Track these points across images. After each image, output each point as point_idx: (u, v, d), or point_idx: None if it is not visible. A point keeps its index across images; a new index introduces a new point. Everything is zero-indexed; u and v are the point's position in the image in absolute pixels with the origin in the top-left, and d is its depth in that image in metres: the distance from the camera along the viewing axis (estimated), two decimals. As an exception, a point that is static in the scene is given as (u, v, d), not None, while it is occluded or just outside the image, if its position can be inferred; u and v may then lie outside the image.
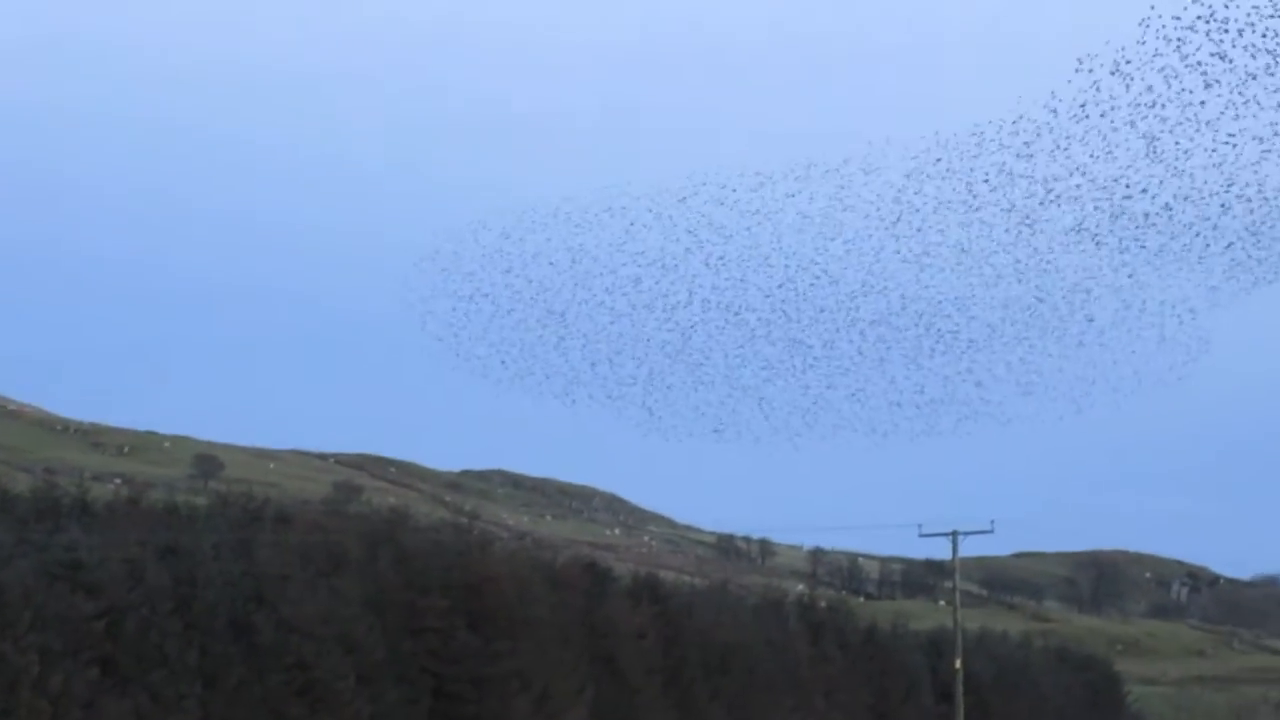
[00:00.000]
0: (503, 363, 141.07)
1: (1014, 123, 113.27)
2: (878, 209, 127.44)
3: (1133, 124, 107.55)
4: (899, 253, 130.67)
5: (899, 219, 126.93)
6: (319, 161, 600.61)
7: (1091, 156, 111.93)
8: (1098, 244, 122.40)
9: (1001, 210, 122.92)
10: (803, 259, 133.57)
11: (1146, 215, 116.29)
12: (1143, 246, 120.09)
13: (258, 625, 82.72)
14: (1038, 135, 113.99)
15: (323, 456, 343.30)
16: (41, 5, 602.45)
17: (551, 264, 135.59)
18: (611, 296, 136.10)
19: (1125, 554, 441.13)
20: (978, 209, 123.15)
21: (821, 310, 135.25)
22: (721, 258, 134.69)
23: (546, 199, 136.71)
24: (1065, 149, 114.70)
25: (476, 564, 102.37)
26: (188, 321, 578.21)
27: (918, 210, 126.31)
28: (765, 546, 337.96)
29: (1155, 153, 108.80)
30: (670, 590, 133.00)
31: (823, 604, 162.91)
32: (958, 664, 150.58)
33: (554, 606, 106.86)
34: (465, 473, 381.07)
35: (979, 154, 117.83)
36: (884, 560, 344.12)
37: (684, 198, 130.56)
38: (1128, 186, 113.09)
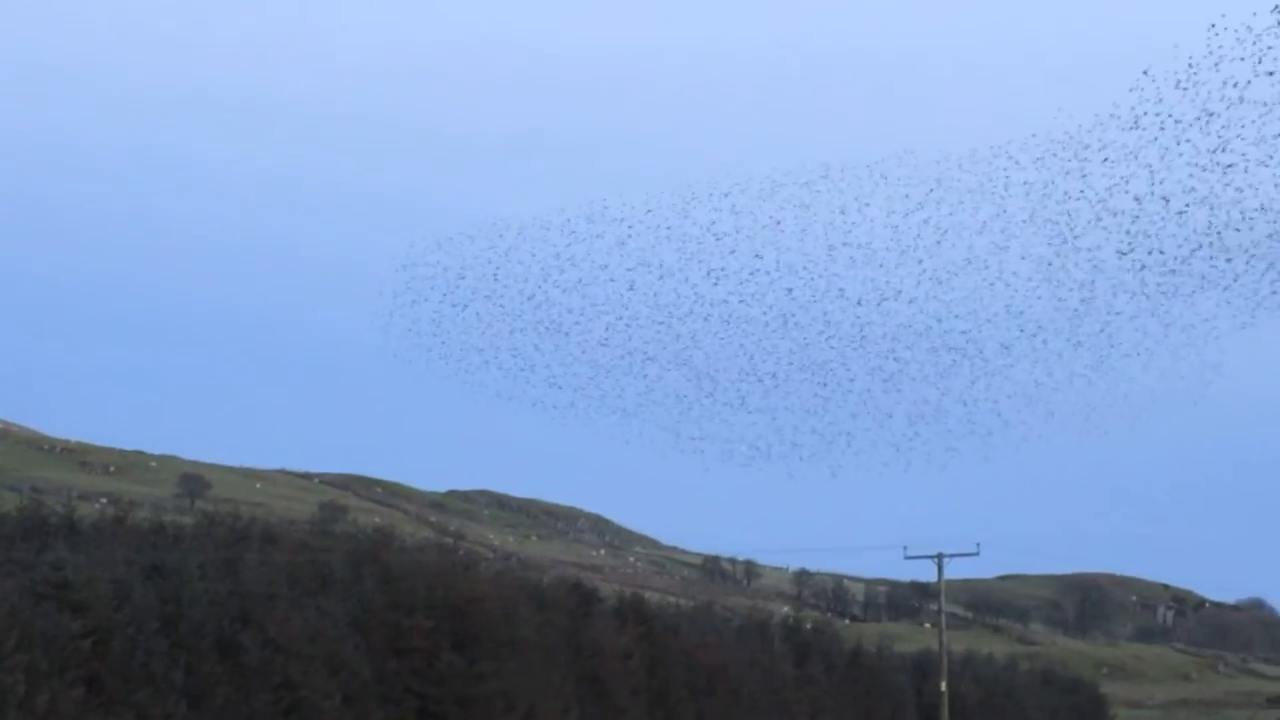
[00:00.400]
0: (486, 374, 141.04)
1: (1038, 138, 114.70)
2: (870, 227, 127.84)
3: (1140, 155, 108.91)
4: (900, 270, 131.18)
5: (897, 239, 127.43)
6: (301, 185, 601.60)
7: (1118, 180, 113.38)
8: (1120, 266, 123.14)
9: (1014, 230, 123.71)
10: (797, 278, 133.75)
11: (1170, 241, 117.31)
12: (1172, 272, 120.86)
13: (244, 645, 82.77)
14: (1072, 151, 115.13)
15: (309, 476, 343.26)
16: (25, 33, 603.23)
17: (530, 279, 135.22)
18: (598, 313, 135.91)
19: (1111, 577, 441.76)
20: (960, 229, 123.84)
21: (818, 333, 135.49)
22: (720, 271, 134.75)
23: (525, 217, 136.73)
24: (1083, 172, 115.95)
25: (462, 584, 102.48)
26: (175, 342, 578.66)
27: (917, 233, 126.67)
28: (750, 568, 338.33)
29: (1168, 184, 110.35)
30: (656, 611, 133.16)
31: (808, 626, 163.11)
32: (943, 686, 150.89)
33: (539, 627, 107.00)
34: (451, 493, 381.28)
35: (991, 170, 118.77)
36: (869, 582, 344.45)
37: (684, 210, 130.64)
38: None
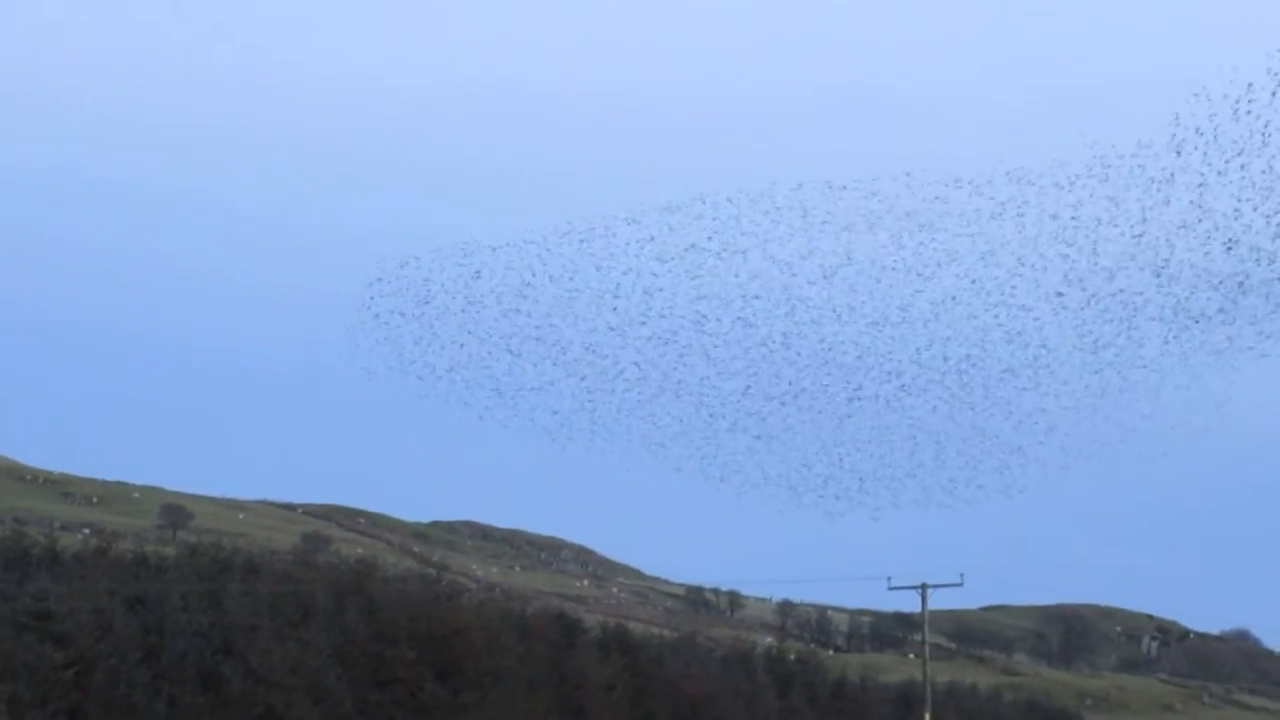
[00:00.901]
0: (466, 404, 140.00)
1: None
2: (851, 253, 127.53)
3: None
4: (891, 297, 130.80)
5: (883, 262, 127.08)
6: (276, 214, 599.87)
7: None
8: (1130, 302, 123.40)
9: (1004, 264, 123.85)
10: (796, 303, 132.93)
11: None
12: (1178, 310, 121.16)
13: (226, 675, 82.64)
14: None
15: (291, 507, 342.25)
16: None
17: (512, 298, 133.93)
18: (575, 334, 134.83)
19: (1095, 608, 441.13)
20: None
21: (807, 361, 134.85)
22: (712, 295, 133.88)
23: (495, 239, 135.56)
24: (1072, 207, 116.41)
25: (445, 615, 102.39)
26: (157, 373, 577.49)
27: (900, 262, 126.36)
28: (734, 599, 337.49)
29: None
30: (639, 642, 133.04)
31: (791, 656, 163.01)
32: (927, 717, 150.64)
33: (523, 657, 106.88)
34: (434, 524, 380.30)
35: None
36: (853, 613, 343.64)
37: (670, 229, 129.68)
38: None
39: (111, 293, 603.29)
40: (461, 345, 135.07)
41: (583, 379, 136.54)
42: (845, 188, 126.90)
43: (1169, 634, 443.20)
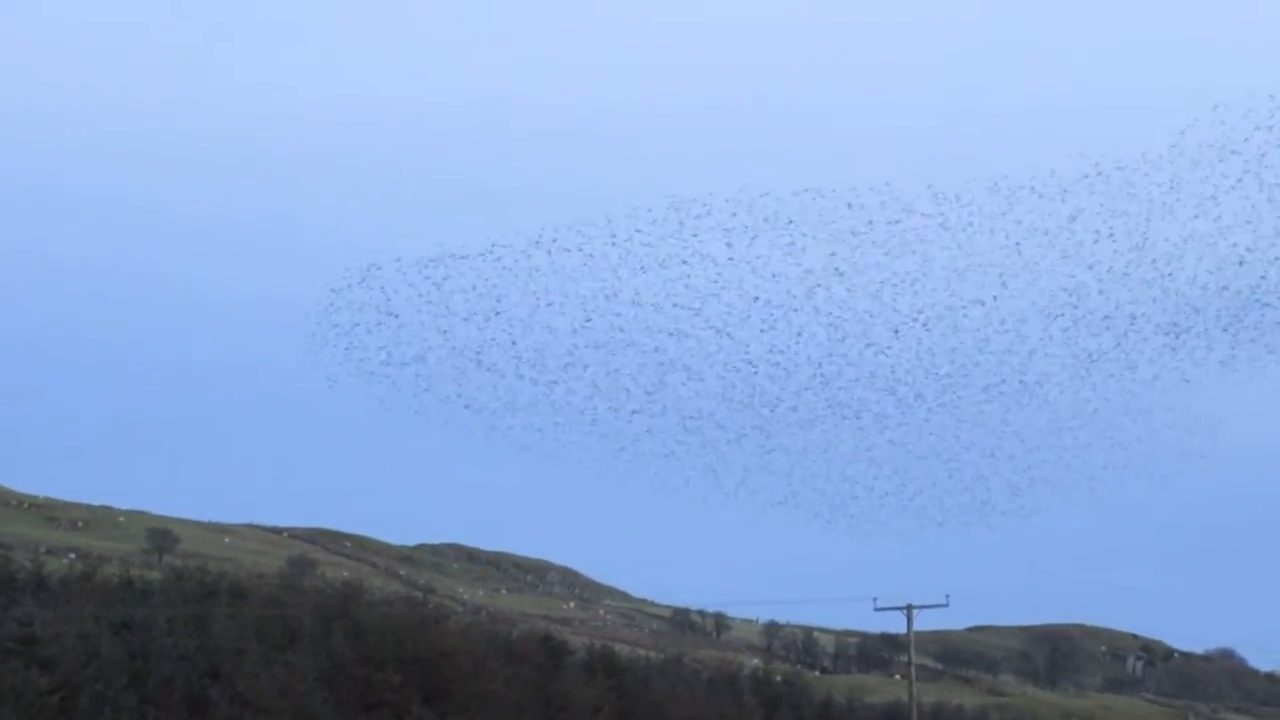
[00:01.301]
0: (449, 425, 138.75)
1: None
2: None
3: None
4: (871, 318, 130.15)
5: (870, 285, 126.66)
6: (258, 231, 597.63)
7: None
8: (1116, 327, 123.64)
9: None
10: (775, 318, 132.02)
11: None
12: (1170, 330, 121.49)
13: (213, 700, 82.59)
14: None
15: (277, 530, 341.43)
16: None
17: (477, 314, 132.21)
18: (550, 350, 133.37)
19: (1080, 627, 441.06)
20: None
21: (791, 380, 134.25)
22: (693, 310, 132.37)
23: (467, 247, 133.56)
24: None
25: (432, 638, 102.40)
26: (143, 397, 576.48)
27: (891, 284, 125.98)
28: (720, 620, 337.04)
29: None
30: (626, 664, 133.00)
31: (778, 678, 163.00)
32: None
33: (509, 680, 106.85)
34: (420, 546, 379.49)
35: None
36: (839, 634, 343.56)
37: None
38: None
39: (97, 313, 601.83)
40: (430, 362, 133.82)
41: (564, 395, 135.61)
42: (826, 195, 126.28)
43: (1154, 653, 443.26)
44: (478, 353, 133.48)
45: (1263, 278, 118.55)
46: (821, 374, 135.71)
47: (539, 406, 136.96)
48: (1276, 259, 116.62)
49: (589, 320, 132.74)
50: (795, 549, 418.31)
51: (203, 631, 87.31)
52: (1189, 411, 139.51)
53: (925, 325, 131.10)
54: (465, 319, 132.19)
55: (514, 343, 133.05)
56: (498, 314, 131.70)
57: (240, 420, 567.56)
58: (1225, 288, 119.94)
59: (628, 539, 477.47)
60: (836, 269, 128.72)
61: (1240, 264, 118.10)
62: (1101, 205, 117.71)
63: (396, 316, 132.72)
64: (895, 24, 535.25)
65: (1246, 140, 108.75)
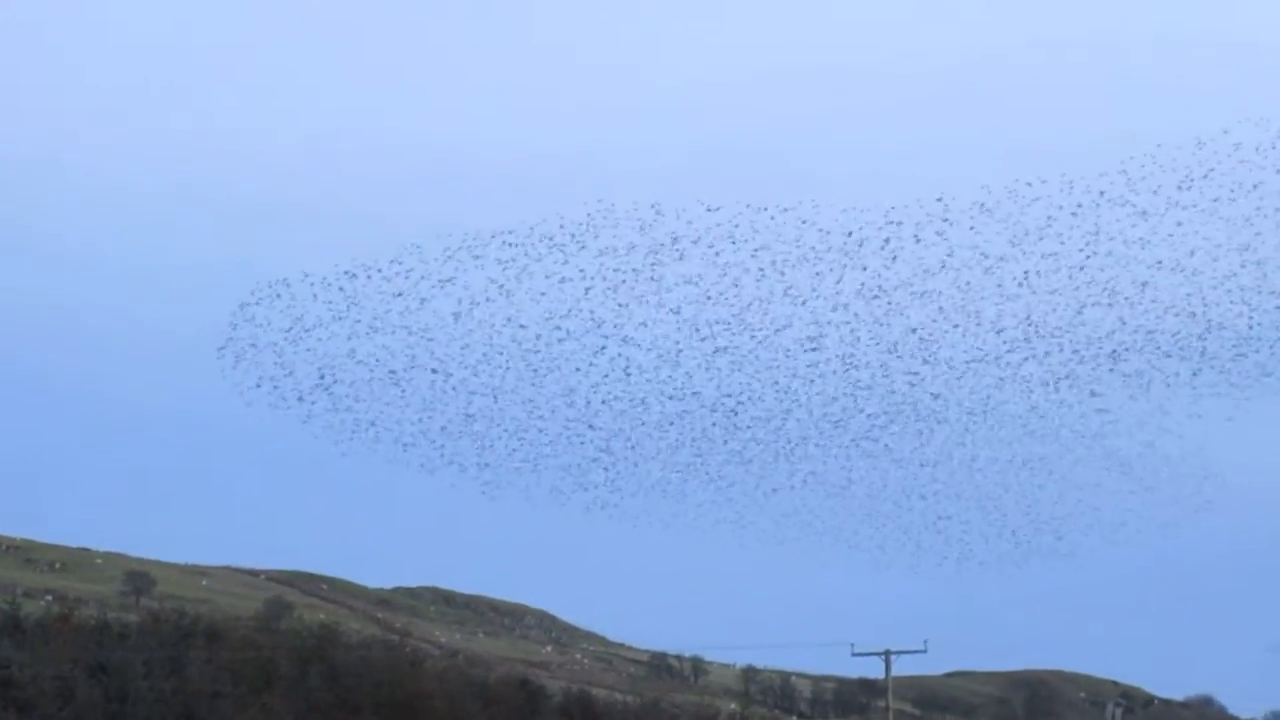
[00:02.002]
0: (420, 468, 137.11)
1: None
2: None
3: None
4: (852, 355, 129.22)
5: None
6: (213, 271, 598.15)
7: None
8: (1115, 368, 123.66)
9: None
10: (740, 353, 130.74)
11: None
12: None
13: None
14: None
15: (254, 573, 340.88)
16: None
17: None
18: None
19: (1059, 674, 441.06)
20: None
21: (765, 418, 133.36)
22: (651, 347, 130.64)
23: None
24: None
25: (408, 681, 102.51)
26: (119, 439, 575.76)
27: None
28: (697, 664, 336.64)
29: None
30: (603, 708, 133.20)
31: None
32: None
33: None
34: (397, 589, 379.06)
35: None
36: (816, 679, 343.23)
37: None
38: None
39: (67, 355, 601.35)
40: (399, 411, 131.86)
41: (536, 437, 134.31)
42: (785, 210, 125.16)
43: (1134, 700, 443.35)
44: (443, 400, 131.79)
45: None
46: (799, 414, 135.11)
47: (510, 451, 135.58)
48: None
49: (536, 350, 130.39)
50: (773, 592, 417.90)
51: (179, 674, 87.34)
52: (1176, 458, 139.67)
53: (907, 372, 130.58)
54: (440, 374, 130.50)
55: (495, 398, 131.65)
56: (459, 368, 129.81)
57: (215, 462, 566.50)
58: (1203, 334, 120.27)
59: (604, 582, 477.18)
60: (787, 289, 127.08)
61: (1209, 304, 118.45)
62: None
63: (395, 375, 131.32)
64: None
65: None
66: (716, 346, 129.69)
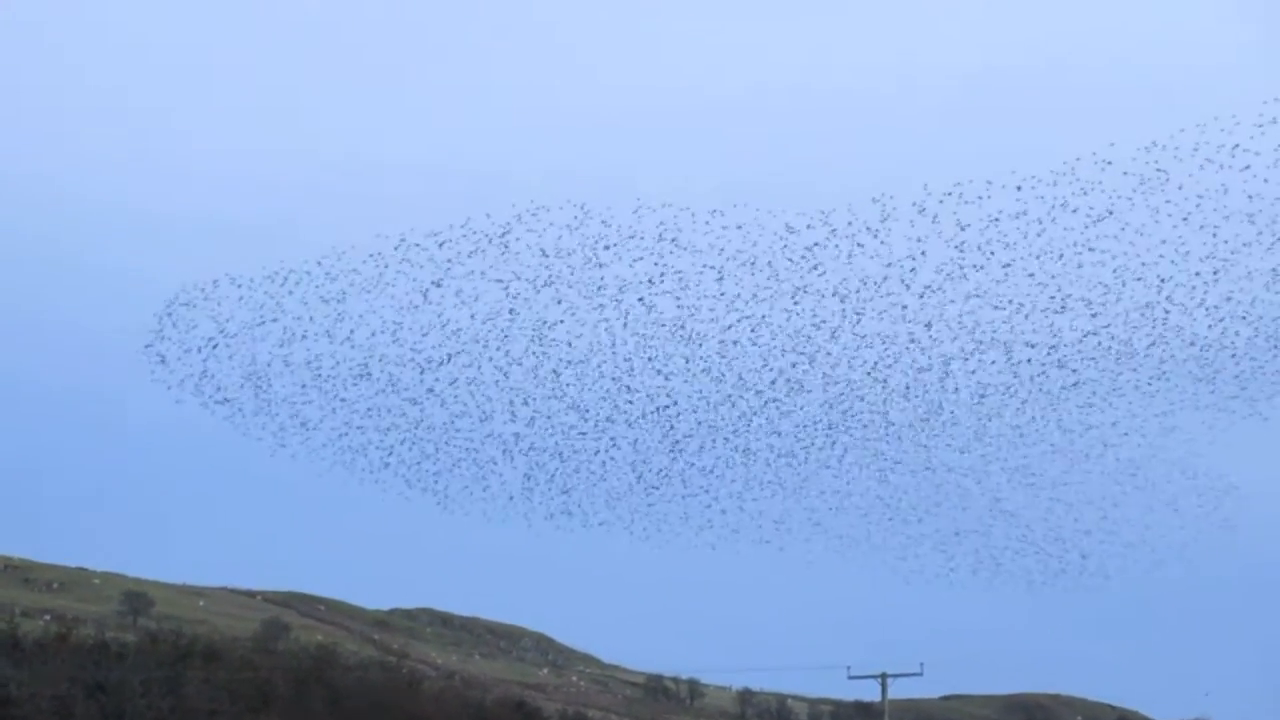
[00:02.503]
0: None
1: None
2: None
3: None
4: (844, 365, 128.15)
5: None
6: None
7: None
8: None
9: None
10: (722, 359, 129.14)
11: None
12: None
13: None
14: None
15: (251, 594, 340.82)
16: None
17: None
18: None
19: (1056, 697, 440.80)
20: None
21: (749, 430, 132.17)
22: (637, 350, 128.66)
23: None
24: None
25: (405, 703, 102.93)
26: (118, 457, 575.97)
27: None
28: (693, 687, 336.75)
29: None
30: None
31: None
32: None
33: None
34: (394, 611, 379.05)
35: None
36: (813, 701, 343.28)
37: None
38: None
39: (75, 372, 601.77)
40: (396, 433, 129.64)
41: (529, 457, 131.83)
42: (731, 210, 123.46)
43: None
44: (429, 416, 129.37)
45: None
46: (793, 431, 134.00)
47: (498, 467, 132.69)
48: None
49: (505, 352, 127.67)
50: (770, 614, 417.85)
51: (177, 694, 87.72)
52: (1189, 476, 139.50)
53: (908, 389, 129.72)
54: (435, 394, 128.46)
55: (482, 421, 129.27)
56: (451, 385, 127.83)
57: (213, 483, 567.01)
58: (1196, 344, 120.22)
59: (600, 604, 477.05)
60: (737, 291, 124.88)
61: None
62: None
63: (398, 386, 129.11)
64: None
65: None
66: (701, 357, 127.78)
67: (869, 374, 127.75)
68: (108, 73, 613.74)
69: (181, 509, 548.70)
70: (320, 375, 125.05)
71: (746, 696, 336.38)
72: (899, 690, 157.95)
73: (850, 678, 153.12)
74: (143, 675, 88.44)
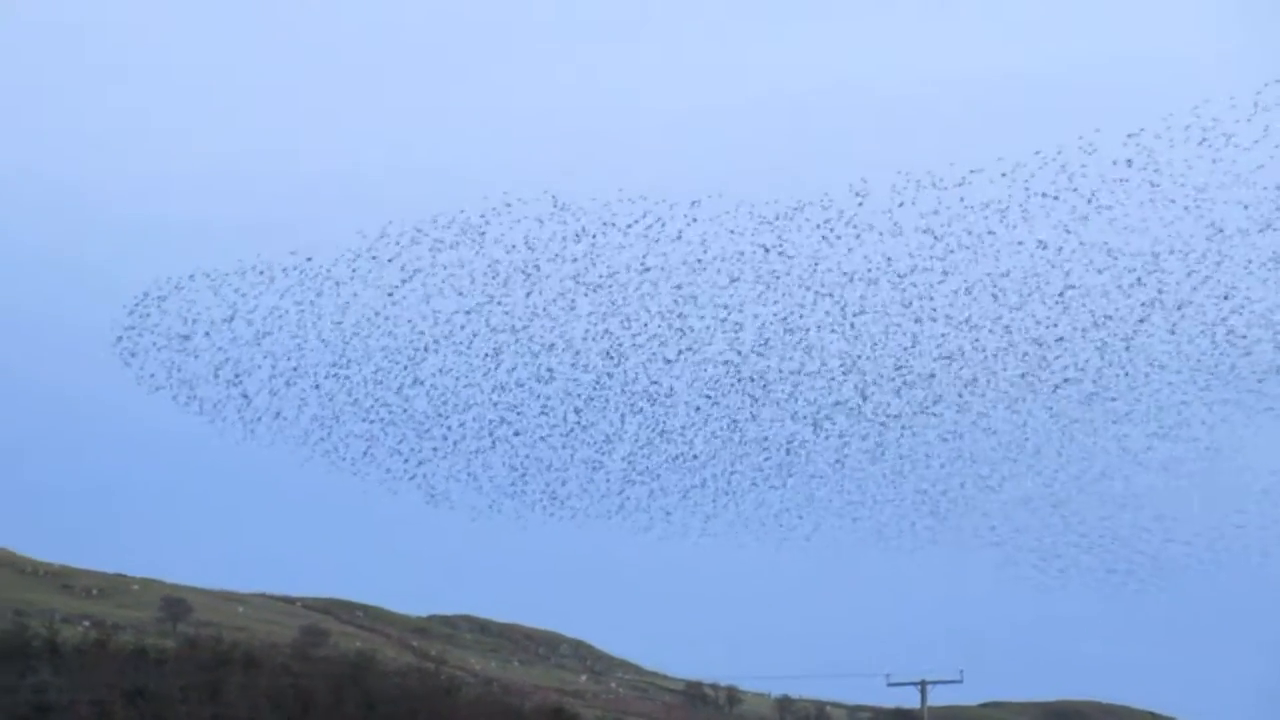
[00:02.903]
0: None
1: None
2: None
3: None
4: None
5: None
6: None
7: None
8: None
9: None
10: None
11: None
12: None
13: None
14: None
15: (290, 600, 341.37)
16: None
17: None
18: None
19: (1096, 704, 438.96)
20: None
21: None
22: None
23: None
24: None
25: (444, 709, 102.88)
26: (156, 464, 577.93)
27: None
28: (732, 693, 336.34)
29: None
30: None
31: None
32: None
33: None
34: (433, 617, 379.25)
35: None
36: (852, 709, 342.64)
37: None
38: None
39: (105, 379, 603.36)
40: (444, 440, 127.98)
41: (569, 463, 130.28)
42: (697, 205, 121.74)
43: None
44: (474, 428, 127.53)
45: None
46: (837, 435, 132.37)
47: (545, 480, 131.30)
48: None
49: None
50: (808, 621, 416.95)
51: (216, 700, 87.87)
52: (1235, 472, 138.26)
53: (938, 401, 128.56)
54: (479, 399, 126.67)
55: (515, 434, 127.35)
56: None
57: (253, 490, 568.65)
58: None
59: (639, 610, 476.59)
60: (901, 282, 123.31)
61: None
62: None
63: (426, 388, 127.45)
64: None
65: None
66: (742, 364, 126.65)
67: (937, 359, 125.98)
68: (86, 69, 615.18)
69: (220, 515, 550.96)
70: (348, 382, 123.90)
71: (785, 703, 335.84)
72: (938, 697, 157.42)
73: (889, 685, 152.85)
74: (182, 682, 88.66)
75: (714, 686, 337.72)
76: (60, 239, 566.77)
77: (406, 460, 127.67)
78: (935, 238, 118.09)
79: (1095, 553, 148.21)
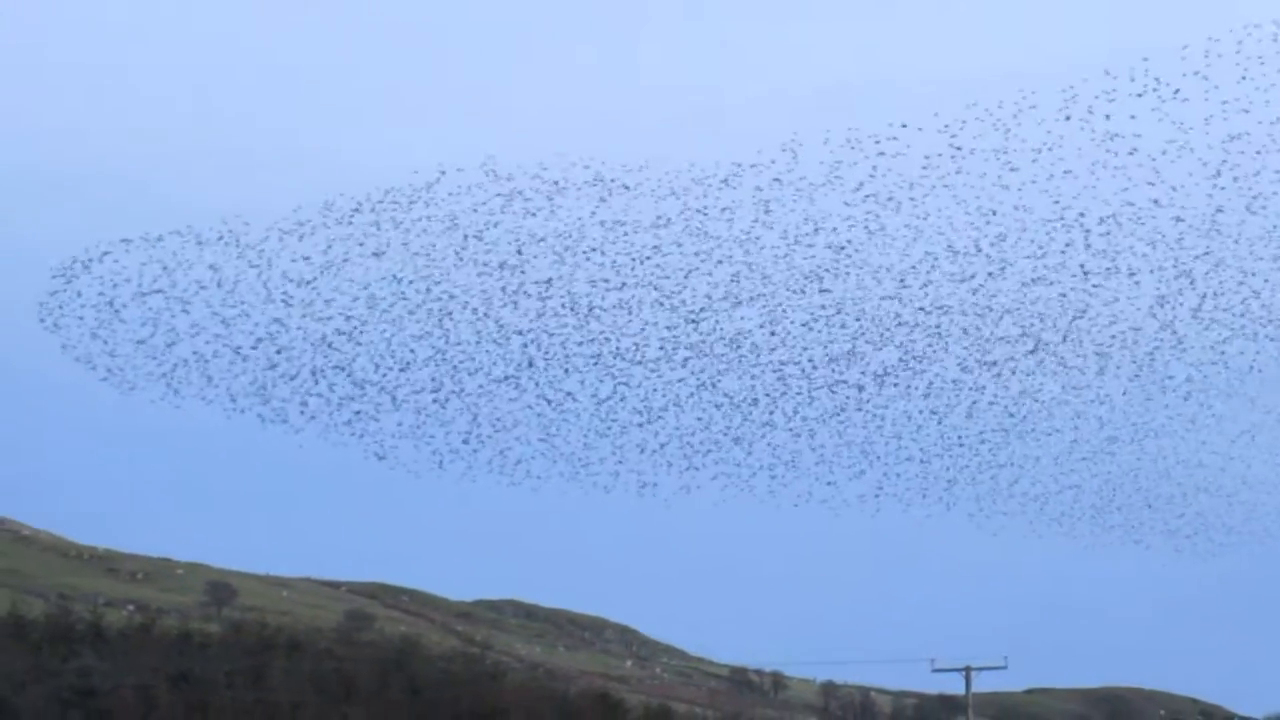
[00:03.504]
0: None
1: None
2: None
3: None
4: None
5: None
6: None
7: None
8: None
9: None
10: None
11: None
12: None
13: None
14: None
15: (335, 584, 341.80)
16: None
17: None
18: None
19: (1139, 691, 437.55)
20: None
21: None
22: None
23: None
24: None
25: (488, 694, 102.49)
26: (200, 448, 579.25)
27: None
28: (778, 679, 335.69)
29: None
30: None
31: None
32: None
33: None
34: (478, 602, 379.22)
35: None
36: (897, 694, 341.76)
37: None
38: None
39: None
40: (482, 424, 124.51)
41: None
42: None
43: (1214, 718, 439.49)
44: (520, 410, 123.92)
45: None
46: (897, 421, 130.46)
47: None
48: None
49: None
50: (853, 607, 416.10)
51: (260, 684, 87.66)
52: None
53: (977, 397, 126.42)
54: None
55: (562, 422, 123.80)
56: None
57: (297, 474, 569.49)
58: None
59: (685, 595, 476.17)
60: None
61: None
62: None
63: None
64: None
65: None
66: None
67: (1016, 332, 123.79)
68: (25, 28, 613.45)
69: (264, 499, 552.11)
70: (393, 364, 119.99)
71: (830, 689, 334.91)
72: (983, 684, 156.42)
73: (934, 671, 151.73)
74: (226, 666, 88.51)
75: (759, 672, 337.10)
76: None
77: (466, 441, 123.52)
78: None
79: (1156, 523, 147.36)
